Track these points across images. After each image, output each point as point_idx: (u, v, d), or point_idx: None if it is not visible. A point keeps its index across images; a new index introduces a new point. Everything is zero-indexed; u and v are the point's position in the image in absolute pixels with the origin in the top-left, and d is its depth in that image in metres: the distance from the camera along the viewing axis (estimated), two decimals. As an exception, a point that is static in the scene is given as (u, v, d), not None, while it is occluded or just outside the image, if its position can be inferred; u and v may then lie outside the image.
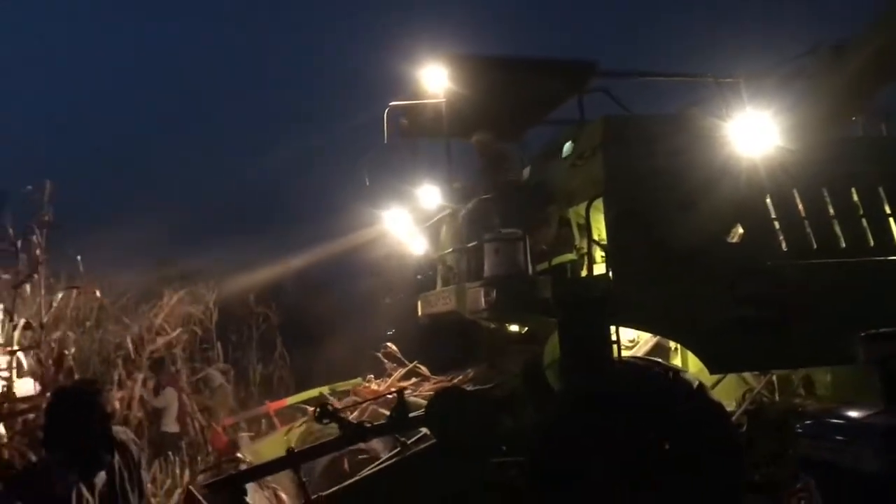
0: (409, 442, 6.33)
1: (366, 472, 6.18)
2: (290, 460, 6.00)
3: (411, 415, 6.21)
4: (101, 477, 4.08)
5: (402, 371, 8.13)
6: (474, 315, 7.49)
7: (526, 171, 8.75)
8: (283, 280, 14.78)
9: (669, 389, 6.69)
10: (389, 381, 8.00)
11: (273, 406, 9.18)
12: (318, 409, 6.12)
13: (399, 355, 8.32)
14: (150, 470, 9.85)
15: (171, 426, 11.88)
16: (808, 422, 7.07)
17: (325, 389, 8.87)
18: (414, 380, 7.97)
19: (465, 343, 8.41)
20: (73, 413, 4.06)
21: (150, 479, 8.47)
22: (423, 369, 8.15)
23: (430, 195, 7.98)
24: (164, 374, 12.10)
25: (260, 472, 6.12)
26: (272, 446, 7.85)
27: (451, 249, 8.06)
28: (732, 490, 6.65)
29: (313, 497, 5.94)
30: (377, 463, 6.33)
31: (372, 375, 8.26)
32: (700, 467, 6.51)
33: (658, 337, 7.55)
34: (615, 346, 6.67)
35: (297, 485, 5.97)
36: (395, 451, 6.39)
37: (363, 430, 6.13)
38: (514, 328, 8.73)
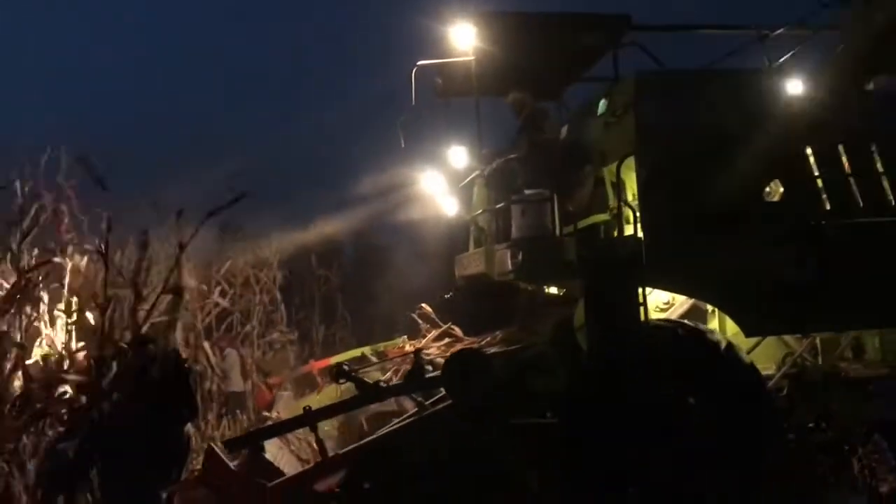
0: (427, 403, 6.36)
1: (382, 430, 6.25)
2: (307, 419, 6.12)
3: (428, 375, 6.23)
4: None
5: (435, 332, 8.15)
6: (502, 277, 7.43)
7: (564, 130, 8.57)
8: (342, 241, 14.91)
9: (699, 352, 6.55)
10: (422, 342, 8.03)
11: (317, 365, 9.35)
12: (334, 370, 6.20)
13: (433, 316, 8.33)
14: (220, 427, 10.24)
15: (235, 385, 12.29)
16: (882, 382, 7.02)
17: (367, 349, 8.98)
18: (447, 340, 7.98)
19: (501, 305, 8.36)
20: None
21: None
22: (457, 330, 8.15)
23: (463, 156, 7.91)
24: (224, 337, 12.48)
25: (277, 429, 6.27)
26: (313, 405, 8.01)
27: (480, 211, 8.00)
28: (767, 456, 6.49)
29: (330, 455, 6.06)
30: (395, 422, 6.40)
31: (405, 336, 8.31)
32: (733, 431, 6.38)
33: (693, 299, 7.36)
34: (643, 309, 6.56)
35: (315, 442, 6.10)
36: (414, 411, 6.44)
37: (379, 390, 6.19)
38: (552, 290, 8.64)
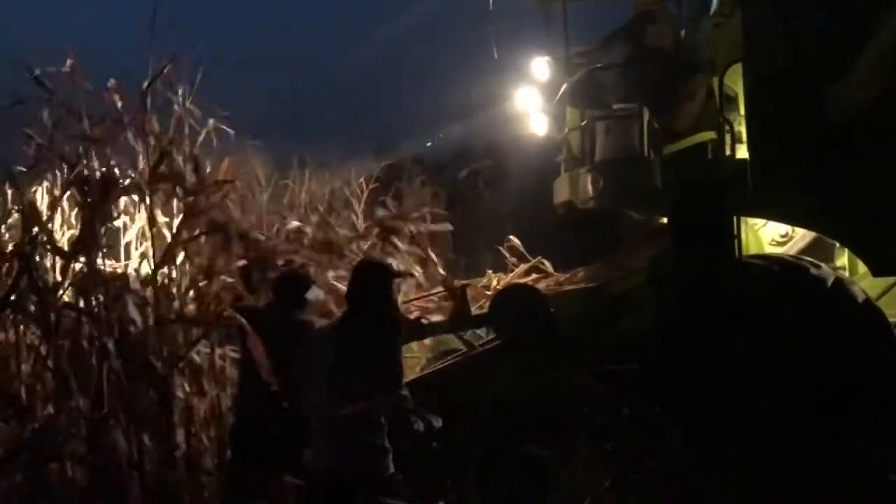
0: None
1: (430, 368, 5.89)
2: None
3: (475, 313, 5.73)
4: None
5: (523, 267, 7.51)
6: (585, 205, 6.68)
7: (682, 34, 7.51)
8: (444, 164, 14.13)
9: (799, 290, 5.57)
10: (508, 277, 7.43)
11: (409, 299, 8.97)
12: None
13: (522, 250, 7.68)
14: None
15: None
16: None
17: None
18: (534, 276, 7.34)
19: (595, 236, 7.61)
20: None
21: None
22: (547, 265, 7.47)
23: (547, 67, 7.10)
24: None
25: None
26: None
27: (566, 130, 7.21)
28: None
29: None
30: (444, 360, 6.00)
31: (490, 271, 7.73)
32: (844, 377, 5.47)
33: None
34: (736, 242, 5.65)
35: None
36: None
37: (420, 328, 5.78)
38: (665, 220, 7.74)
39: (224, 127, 6.52)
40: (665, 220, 7.14)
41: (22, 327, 6.27)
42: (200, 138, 6.38)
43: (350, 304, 4.39)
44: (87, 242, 6.07)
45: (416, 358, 6.85)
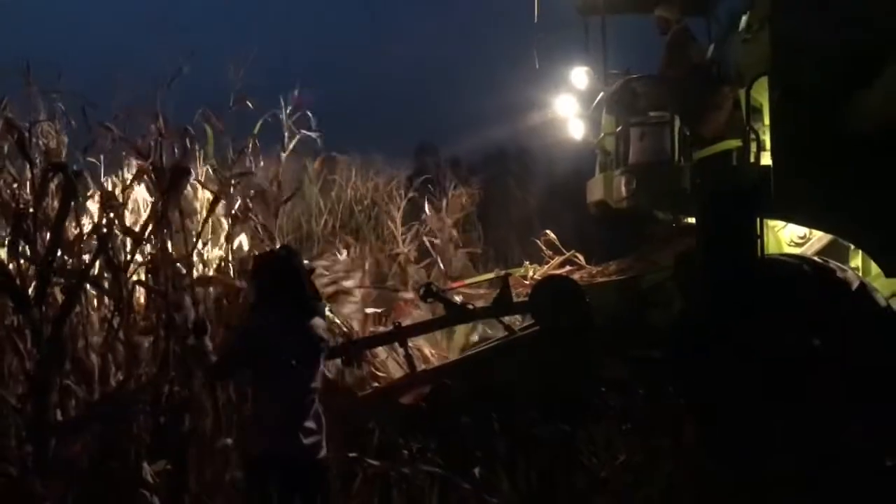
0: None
1: (471, 351, 6.31)
2: (397, 334, 6.28)
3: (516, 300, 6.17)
4: None
5: (558, 259, 7.99)
6: (618, 204, 7.13)
7: (710, 49, 7.97)
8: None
9: (824, 291, 5.98)
10: (543, 269, 7.91)
11: (453, 286, 9.45)
12: (421, 289, 6.29)
13: (557, 243, 8.16)
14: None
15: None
16: None
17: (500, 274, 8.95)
18: (568, 268, 7.81)
19: (625, 233, 8.05)
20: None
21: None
22: (580, 258, 7.94)
23: (586, 77, 7.58)
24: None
25: (372, 342, 6.49)
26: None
27: (602, 135, 7.67)
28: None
29: (419, 370, 6.21)
30: (484, 343, 6.43)
31: (527, 262, 8.21)
32: (864, 377, 5.80)
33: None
34: (759, 242, 6.07)
35: (405, 357, 6.27)
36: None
37: (467, 312, 6.22)
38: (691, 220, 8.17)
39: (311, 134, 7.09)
40: (692, 220, 7.59)
41: (96, 301, 6.82)
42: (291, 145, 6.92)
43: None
44: (160, 226, 6.62)
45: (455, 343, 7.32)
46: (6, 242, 6.17)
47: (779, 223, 6.88)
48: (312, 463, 4.35)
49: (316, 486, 4.38)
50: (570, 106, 7.96)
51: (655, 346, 6.40)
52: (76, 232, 6.57)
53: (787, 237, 7.00)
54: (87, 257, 6.47)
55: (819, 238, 6.81)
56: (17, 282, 5.82)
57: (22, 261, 5.92)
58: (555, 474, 5.39)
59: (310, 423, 4.33)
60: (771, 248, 6.72)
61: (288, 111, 7.39)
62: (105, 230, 6.49)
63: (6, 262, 5.96)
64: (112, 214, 6.60)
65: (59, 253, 6.11)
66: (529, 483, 5.00)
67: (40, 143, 6.68)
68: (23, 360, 5.88)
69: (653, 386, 6.20)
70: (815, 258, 6.30)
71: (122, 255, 6.64)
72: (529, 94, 8.77)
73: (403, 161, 13.43)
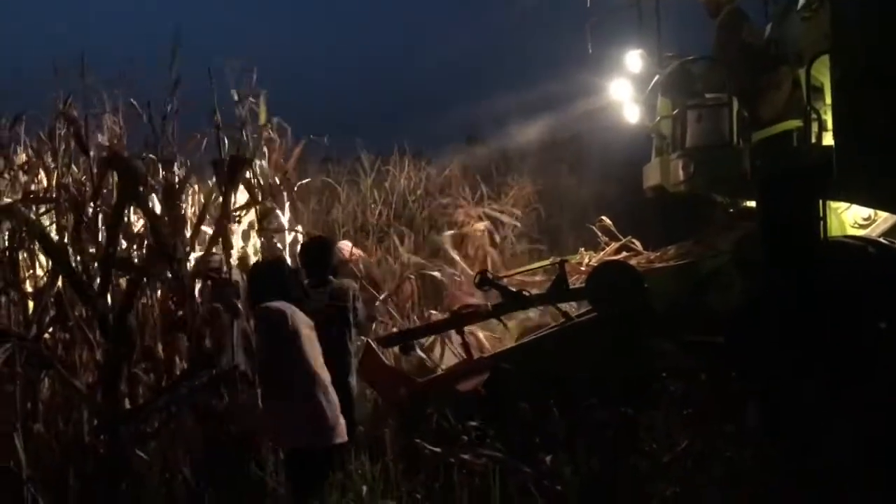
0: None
1: (528, 337, 6.32)
2: (455, 321, 6.32)
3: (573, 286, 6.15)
4: None
5: (614, 245, 7.94)
6: (675, 189, 7.06)
7: (768, 29, 7.80)
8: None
9: (888, 273, 5.85)
10: (599, 255, 7.86)
11: (509, 273, 9.42)
12: (477, 276, 6.32)
13: (613, 229, 8.10)
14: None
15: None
16: None
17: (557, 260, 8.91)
18: (625, 254, 7.76)
19: (684, 217, 7.96)
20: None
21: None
22: (636, 244, 7.88)
23: (640, 60, 7.50)
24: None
25: (428, 330, 6.55)
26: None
27: (658, 118, 7.58)
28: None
29: (475, 357, 6.24)
30: (541, 330, 6.42)
31: (582, 249, 8.17)
32: None
33: (895, 215, 6.55)
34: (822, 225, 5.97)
35: (461, 344, 6.30)
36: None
37: (523, 299, 6.22)
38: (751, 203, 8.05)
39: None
40: (751, 203, 7.49)
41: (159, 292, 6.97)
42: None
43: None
44: (221, 217, 6.74)
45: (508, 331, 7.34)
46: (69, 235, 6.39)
47: (842, 205, 6.74)
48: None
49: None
50: (624, 90, 7.86)
51: (715, 331, 6.36)
52: (140, 224, 6.74)
53: (850, 219, 6.85)
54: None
55: (885, 219, 6.66)
56: (82, 275, 6.02)
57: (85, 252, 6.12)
58: (616, 459, 5.45)
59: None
60: (834, 230, 6.60)
61: None
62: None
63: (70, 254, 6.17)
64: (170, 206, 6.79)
65: (122, 245, 6.32)
66: (590, 468, 4.99)
67: (99, 136, 6.87)
68: (92, 350, 6.07)
69: (714, 371, 6.21)
70: (881, 239, 6.18)
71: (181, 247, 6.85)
72: (583, 79, 8.68)
73: (455, 153, 13.33)
